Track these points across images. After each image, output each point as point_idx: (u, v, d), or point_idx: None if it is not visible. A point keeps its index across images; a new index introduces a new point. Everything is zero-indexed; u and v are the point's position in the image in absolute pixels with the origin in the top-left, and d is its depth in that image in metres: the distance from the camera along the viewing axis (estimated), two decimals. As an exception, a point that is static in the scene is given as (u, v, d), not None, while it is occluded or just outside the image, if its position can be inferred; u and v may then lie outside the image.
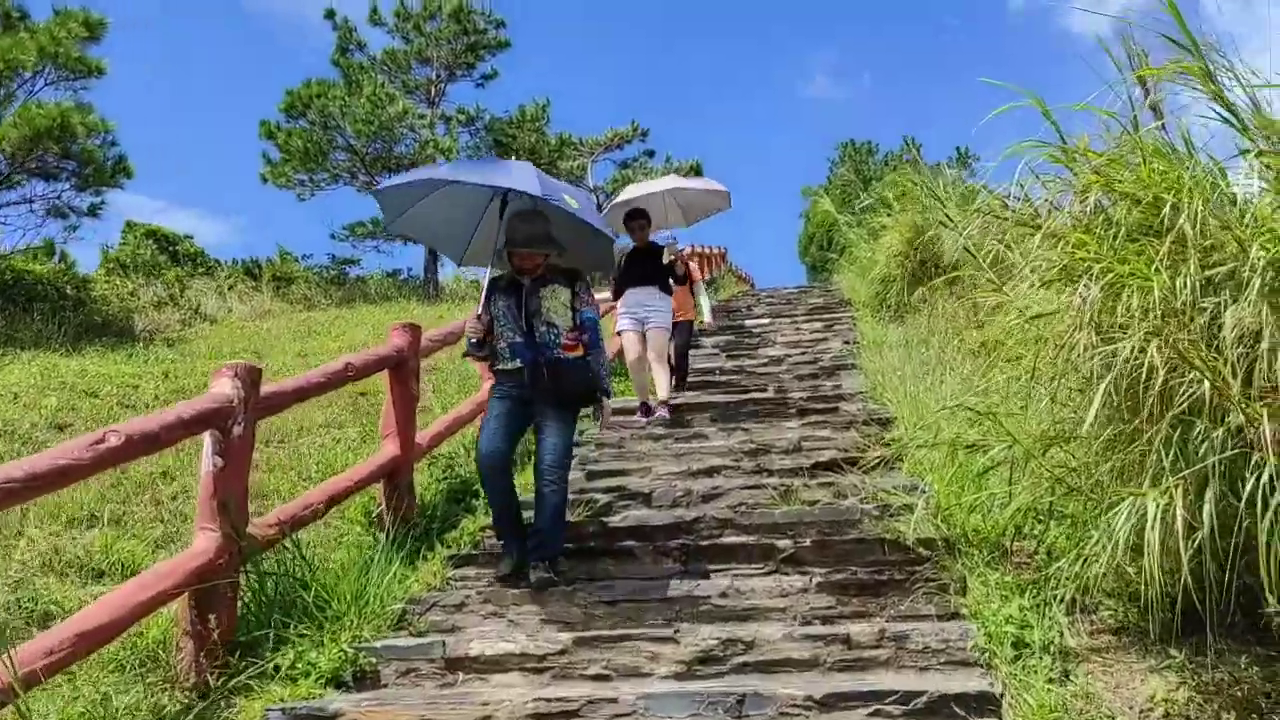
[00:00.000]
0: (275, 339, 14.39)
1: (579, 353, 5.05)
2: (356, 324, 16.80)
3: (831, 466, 6.42)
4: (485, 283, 5.19)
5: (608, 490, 6.33)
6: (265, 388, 4.43)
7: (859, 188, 19.08)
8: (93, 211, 15.04)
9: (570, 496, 6.15)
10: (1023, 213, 4.30)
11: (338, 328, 15.94)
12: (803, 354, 12.26)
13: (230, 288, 20.25)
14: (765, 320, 15.06)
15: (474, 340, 5.03)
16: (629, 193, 9.78)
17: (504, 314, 5.04)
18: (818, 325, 14.23)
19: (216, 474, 4.11)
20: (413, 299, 21.13)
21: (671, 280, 8.79)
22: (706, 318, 11.89)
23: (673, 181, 10.36)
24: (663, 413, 8.27)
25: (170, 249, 24.82)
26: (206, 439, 4.15)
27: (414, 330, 6.00)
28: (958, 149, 24.44)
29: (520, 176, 4.90)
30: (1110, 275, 3.33)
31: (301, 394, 4.87)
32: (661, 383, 8.46)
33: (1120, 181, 3.77)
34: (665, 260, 8.72)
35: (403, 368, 5.82)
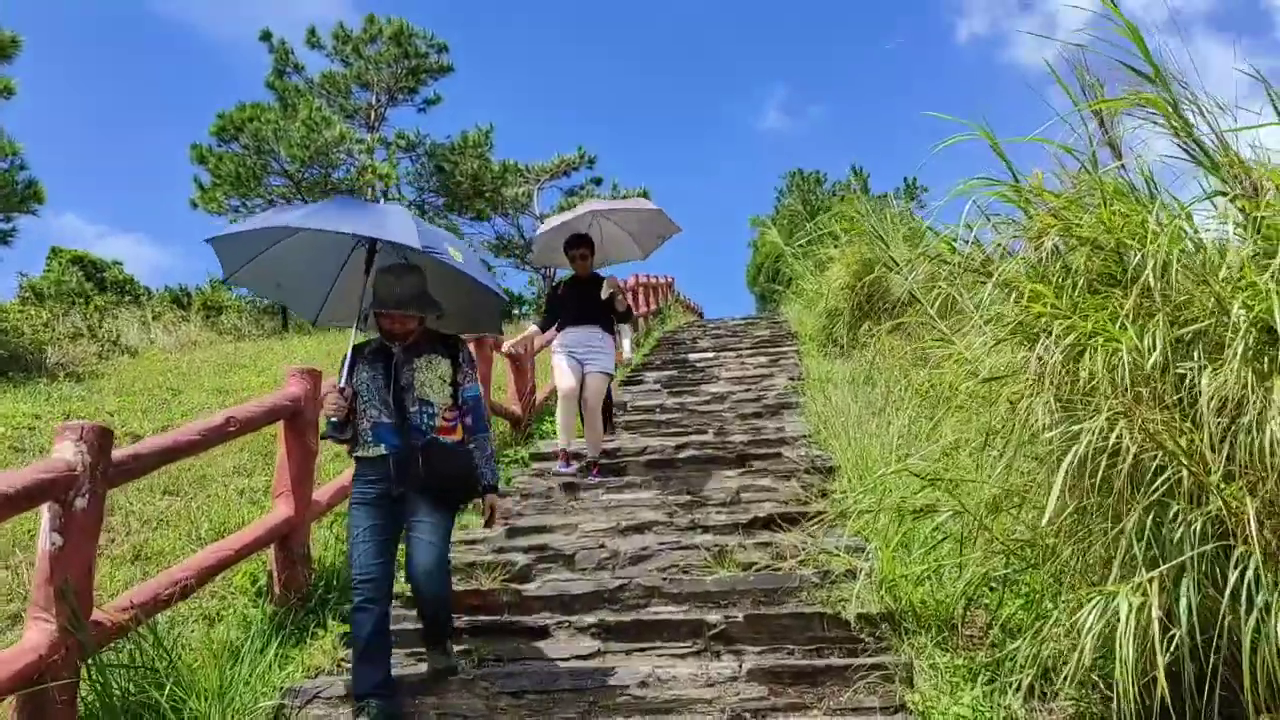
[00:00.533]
0: (195, 373, 13.67)
1: (457, 437, 4.24)
2: (286, 356, 16.13)
3: (770, 523, 5.96)
4: (349, 350, 4.35)
5: (528, 550, 5.82)
6: (120, 452, 3.87)
7: (805, 218, 18.80)
8: (3, 239, 14.24)
9: (487, 558, 5.65)
10: (972, 258, 3.90)
11: (265, 360, 15.26)
12: (747, 390, 11.84)
13: (156, 317, 19.45)
14: (710, 354, 14.65)
15: (334, 420, 4.16)
16: (555, 222, 8.77)
17: (368, 388, 4.19)
18: (763, 360, 13.84)
19: (54, 554, 3.55)
20: (351, 330, 20.43)
21: (615, 318, 7.86)
22: (627, 353, 10.97)
23: (597, 204, 9.03)
24: (591, 477, 7.47)
25: (97, 276, 23.94)
26: (44, 513, 3.58)
27: (313, 377, 5.45)
28: (905, 179, 24.37)
29: (394, 224, 4.16)
30: (1072, 334, 2.92)
31: (168, 456, 4.30)
32: (595, 441, 7.66)
33: (1079, 225, 3.37)
34: (604, 294, 7.64)
35: (298, 419, 5.27)
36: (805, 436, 8.32)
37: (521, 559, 5.63)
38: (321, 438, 4.37)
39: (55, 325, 16.14)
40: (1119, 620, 2.71)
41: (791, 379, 12.27)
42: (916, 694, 3.78)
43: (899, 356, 11.28)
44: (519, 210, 29.22)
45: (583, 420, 7.81)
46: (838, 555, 5.14)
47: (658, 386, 12.53)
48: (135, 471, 4.11)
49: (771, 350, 14.58)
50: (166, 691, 3.64)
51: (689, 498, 6.71)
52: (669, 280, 23.39)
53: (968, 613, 4.37)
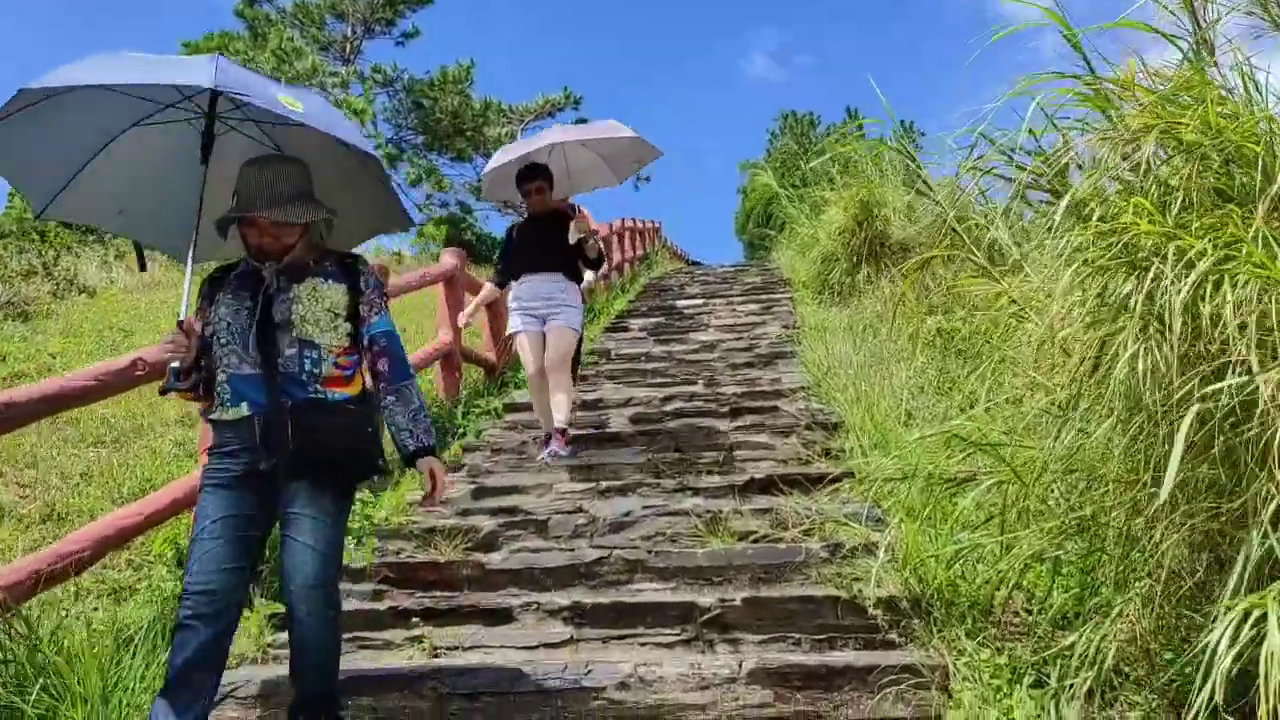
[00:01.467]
0: (154, 314, 12.86)
1: (354, 390, 3.10)
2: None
3: (769, 486, 5.27)
4: (189, 277, 3.14)
5: (495, 513, 5.14)
6: (-12, 398, 3.13)
7: (801, 158, 17.97)
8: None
9: (450, 522, 4.97)
10: (1038, 169, 3.16)
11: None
12: (738, 339, 11.14)
13: (120, 256, 18.53)
14: (699, 301, 13.92)
15: (176, 366, 2.99)
16: (510, 151, 6.82)
17: (228, 327, 3.02)
18: (754, 307, 13.13)
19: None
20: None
21: (583, 264, 6.39)
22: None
23: (560, 133, 7.02)
24: (556, 447, 6.10)
25: (61, 213, 22.91)
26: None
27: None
28: (901, 122, 23.42)
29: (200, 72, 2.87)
30: (1205, 259, 2.20)
31: (54, 403, 3.57)
32: (562, 403, 6.20)
33: (1186, 126, 2.63)
34: (572, 236, 6.18)
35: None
36: (804, 389, 7.63)
37: (488, 524, 4.94)
38: (161, 391, 3.06)
39: (8, 262, 15.26)
40: (1266, 635, 2.02)
41: (785, 327, 11.57)
42: (955, 704, 3.11)
43: (902, 302, 10.61)
44: (502, 151, 28.23)
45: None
46: (849, 525, 4.46)
47: (644, 334, 11.82)
48: (12, 421, 3.38)
49: (764, 297, 13.87)
50: (34, 696, 2.94)
51: (677, 455, 6.02)
52: (656, 225, 22.57)
53: (1008, 596, 3.71)
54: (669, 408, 7.33)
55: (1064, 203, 2.68)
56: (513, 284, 6.46)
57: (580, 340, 6.74)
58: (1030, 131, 2.96)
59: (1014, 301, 3.60)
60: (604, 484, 5.54)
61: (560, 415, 6.16)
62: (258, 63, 18.96)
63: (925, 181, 4.69)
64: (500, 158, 6.72)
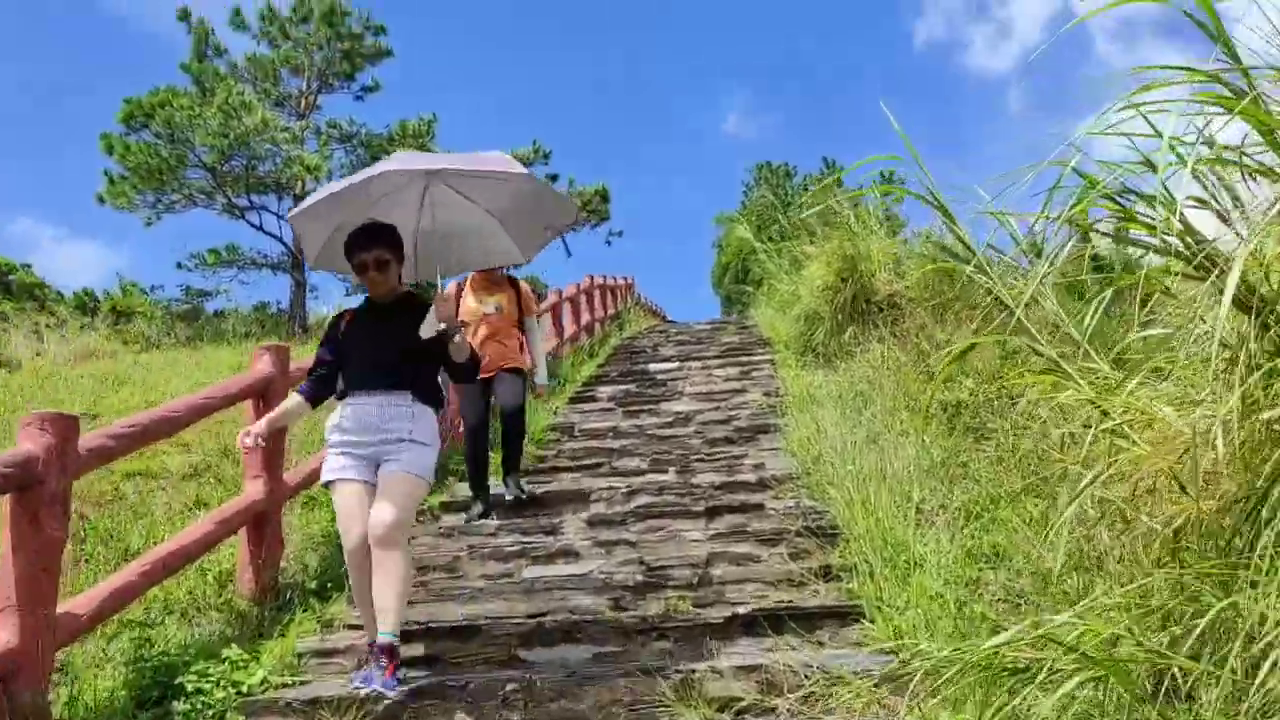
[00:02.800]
0: (70, 391, 11.67)
1: None
2: (195, 366, 14.19)
3: (754, 623, 4.16)
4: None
5: (403, 679, 3.98)
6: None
7: (778, 210, 17.04)
8: None
9: (340, 692, 3.82)
10: (1166, 224, 2.09)
11: (162, 375, 13.27)
12: (716, 409, 10.07)
13: (54, 326, 17.36)
14: (673, 365, 12.85)
15: None
16: (334, 188, 4.21)
17: None
18: (733, 371, 12.07)
19: None
20: (275, 336, 18.46)
21: (446, 375, 4.24)
22: (541, 378, 6.89)
23: (411, 161, 4.54)
24: (376, 679, 3.68)
25: (2, 280, 21.84)
26: None
27: (63, 424, 3.58)
28: (881, 173, 22.64)
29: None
30: None
31: None
32: (390, 601, 3.78)
33: None
34: (428, 330, 3.98)
35: (33, 492, 3.40)
36: (791, 477, 6.53)
37: (393, 691, 3.78)
38: None
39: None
40: None
41: (767, 394, 10.52)
42: None
43: (896, 368, 9.57)
44: (469, 207, 27.28)
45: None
46: (862, 695, 3.35)
47: (612, 405, 10.72)
48: None
49: (742, 359, 12.81)
50: None
51: (642, 575, 4.90)
52: (628, 281, 21.59)
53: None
54: (634, 505, 6.23)
55: (1232, 280, 1.62)
56: (337, 405, 4.15)
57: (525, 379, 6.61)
58: (1149, 164, 1.92)
59: (1102, 411, 2.52)
60: (549, 620, 4.41)
61: (387, 622, 3.75)
62: (204, 118, 17.97)
63: (963, 241, 3.61)
64: (319, 196, 4.18)
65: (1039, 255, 6.28)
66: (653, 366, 12.78)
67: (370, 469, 3.95)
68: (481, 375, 6.15)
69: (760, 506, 5.79)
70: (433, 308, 3.93)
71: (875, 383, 9.53)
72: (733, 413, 9.88)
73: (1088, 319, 2.54)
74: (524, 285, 6.75)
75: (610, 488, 6.65)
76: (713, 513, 5.82)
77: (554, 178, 28.05)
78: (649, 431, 9.37)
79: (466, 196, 4.33)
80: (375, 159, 20.93)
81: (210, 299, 21.23)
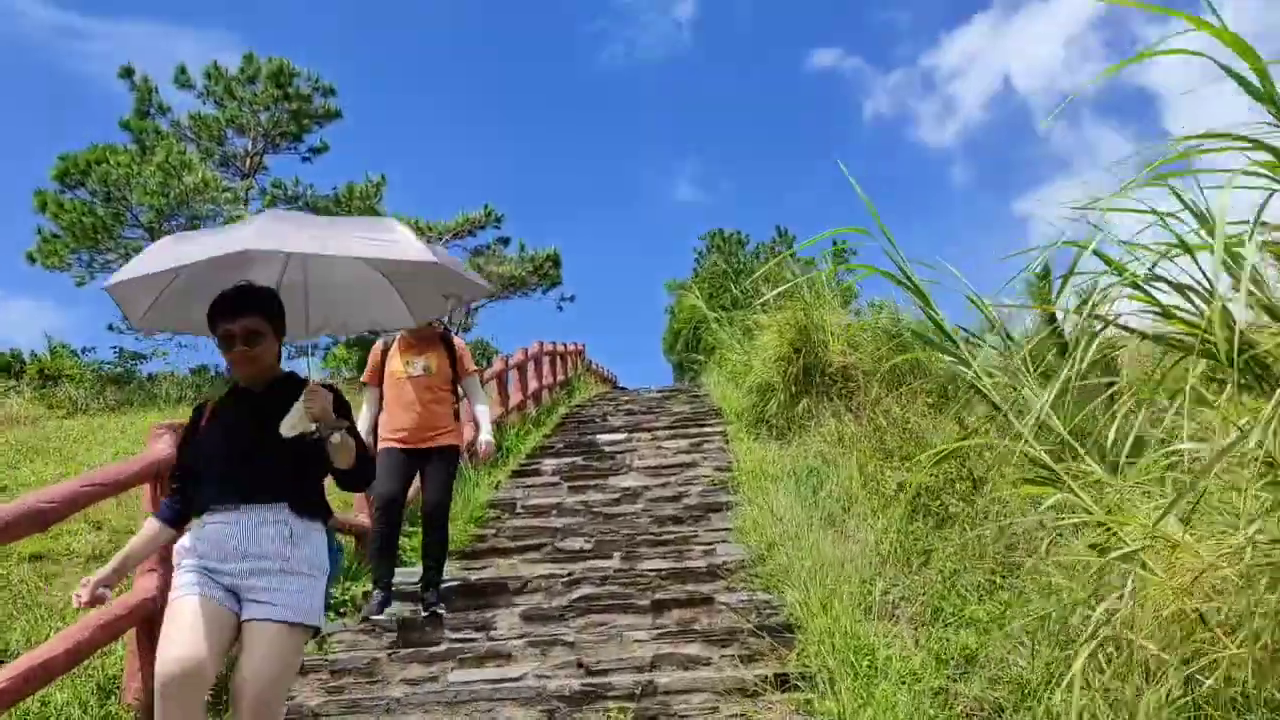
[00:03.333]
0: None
1: None
2: (120, 434, 13.51)
3: (704, 743, 3.72)
4: None
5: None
6: None
7: (730, 278, 16.82)
8: None
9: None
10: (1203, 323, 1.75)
11: (83, 444, 12.59)
12: (664, 485, 9.66)
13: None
14: (621, 436, 12.42)
15: None
16: (184, 248, 3.07)
17: None
18: (683, 443, 11.68)
19: None
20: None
21: (339, 479, 3.23)
22: (485, 435, 6.23)
23: (309, 238, 3.06)
24: None
25: (-76, 340, 20.94)
26: None
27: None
28: (834, 242, 22.57)
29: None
30: None
31: None
32: None
33: None
34: (291, 428, 3.02)
35: None
36: (744, 565, 6.11)
37: (285, 829, 3.28)
38: None
39: None
40: None
41: (719, 469, 10.13)
42: None
43: (852, 444, 9.25)
44: (418, 271, 26.85)
45: None
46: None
47: (557, 479, 10.27)
48: None
49: (693, 431, 12.43)
50: None
51: (580, 682, 4.44)
52: (579, 348, 21.22)
53: None
54: (575, 595, 5.77)
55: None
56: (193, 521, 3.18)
57: (457, 457, 6.03)
58: (1184, 246, 1.60)
59: (1104, 526, 2.17)
60: (473, 738, 3.93)
61: None
62: (142, 176, 17.46)
63: (938, 325, 3.27)
64: (168, 252, 3.07)
65: (1009, 337, 5.99)
66: (601, 437, 12.34)
67: (231, 598, 2.95)
68: (406, 445, 5.66)
69: (710, 600, 5.36)
70: (299, 401, 2.98)
71: (830, 459, 9.20)
72: (682, 489, 9.47)
73: (1097, 422, 2.19)
74: (459, 342, 6.13)
75: (550, 575, 6.19)
76: (659, 606, 5.38)
77: (505, 241, 27.83)
78: (595, 509, 8.93)
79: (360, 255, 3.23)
80: (321, 220, 20.50)
81: (144, 362, 20.49)
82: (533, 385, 14.94)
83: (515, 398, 13.57)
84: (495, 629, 5.29)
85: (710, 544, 7.29)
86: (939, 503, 6.83)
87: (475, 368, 6.16)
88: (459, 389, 6.02)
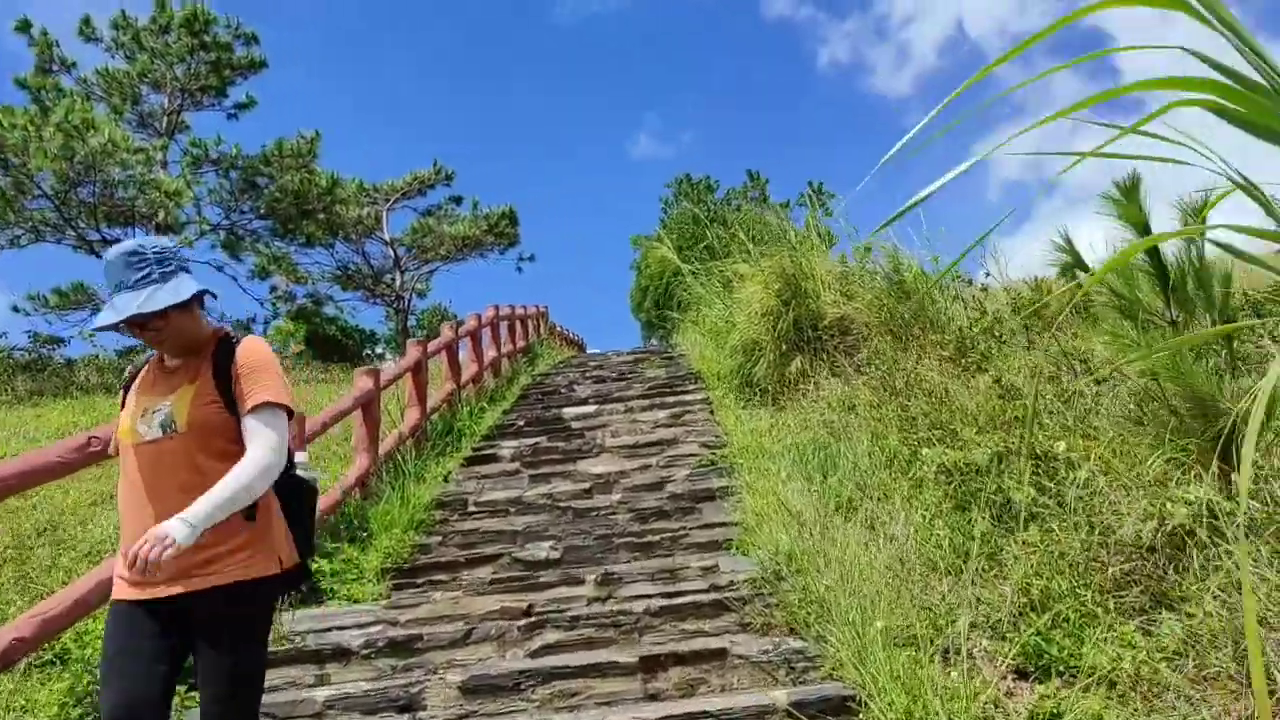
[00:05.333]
0: None
1: None
2: (14, 432, 11.80)
3: None
4: None
5: None
6: None
7: (704, 225, 15.22)
8: None
9: None
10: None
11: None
12: (644, 469, 8.17)
13: None
14: (591, 408, 10.89)
15: None
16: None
17: None
18: (662, 415, 10.17)
19: None
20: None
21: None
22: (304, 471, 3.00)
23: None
24: None
25: None
26: None
27: None
28: (810, 184, 21.03)
29: None
30: None
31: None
32: None
33: None
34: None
35: None
36: (758, 590, 4.62)
37: None
38: None
39: None
40: None
41: (706, 445, 8.65)
42: None
43: (869, 407, 7.78)
44: (365, 234, 25.07)
45: None
46: None
47: (516, 465, 8.74)
48: None
49: (670, 400, 10.92)
50: None
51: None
52: (541, 310, 19.59)
53: None
54: (536, 645, 4.27)
55: None
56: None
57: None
58: None
59: None
60: None
61: None
62: (42, 138, 15.55)
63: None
64: None
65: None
66: (568, 411, 10.80)
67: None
68: (144, 596, 2.56)
69: (723, 654, 3.86)
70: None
71: (839, 430, 7.73)
72: (666, 472, 7.99)
73: None
74: (251, 347, 2.74)
75: (504, 610, 4.69)
76: (652, 666, 3.87)
77: (458, 200, 26.07)
78: (561, 503, 7.43)
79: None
80: (250, 183, 18.68)
81: (62, 346, 18.65)
82: (489, 354, 13.35)
83: (470, 370, 11.99)
84: (423, 709, 3.77)
85: (707, 550, 5.82)
86: (995, 487, 5.38)
87: (268, 395, 2.62)
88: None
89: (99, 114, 16.14)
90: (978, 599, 4.17)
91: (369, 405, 7.86)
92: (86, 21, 18.89)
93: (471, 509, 7.58)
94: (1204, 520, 3.57)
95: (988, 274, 10.24)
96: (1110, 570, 3.88)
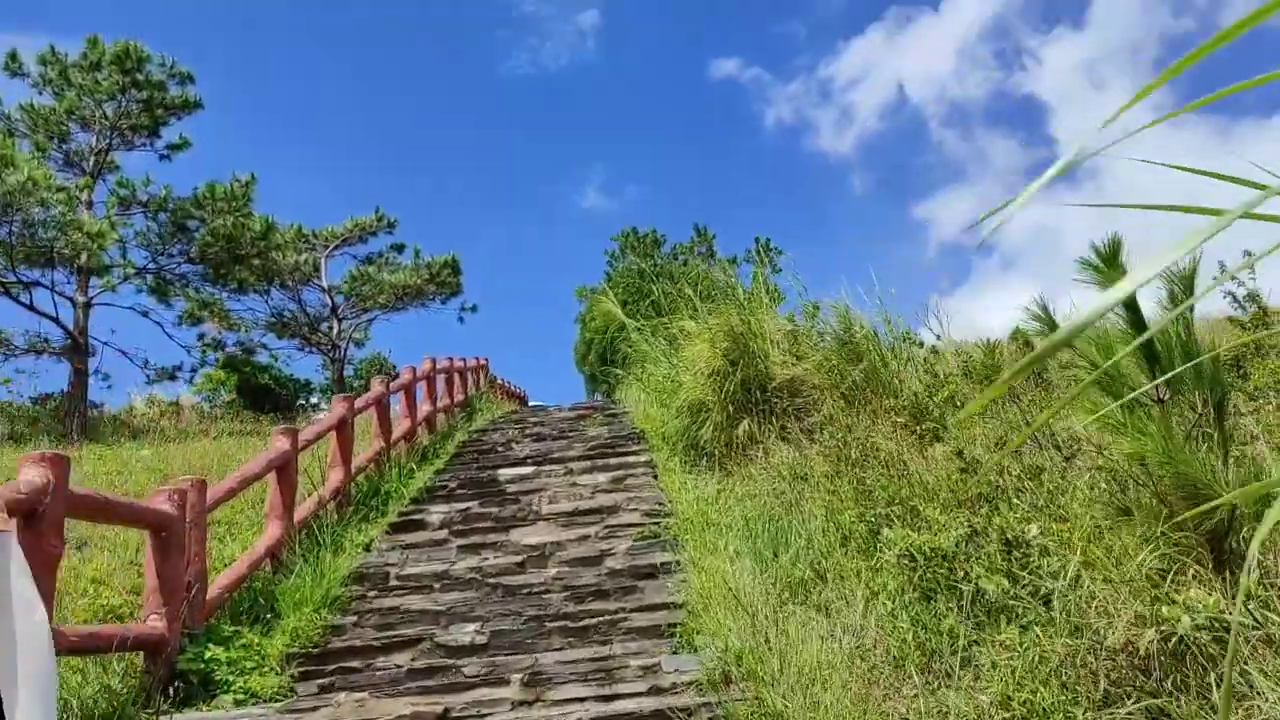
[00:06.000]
0: None
1: None
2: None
3: None
4: None
5: None
6: None
7: (651, 279, 14.82)
8: None
9: None
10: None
11: None
12: (582, 540, 7.64)
13: None
14: (529, 469, 10.33)
15: None
16: None
17: None
18: (603, 478, 9.65)
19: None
20: (46, 437, 15.13)
21: None
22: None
23: None
24: None
25: None
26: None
27: None
28: (757, 240, 20.80)
29: None
30: None
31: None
32: None
33: None
34: None
35: None
36: (702, 697, 4.10)
37: None
38: None
39: None
40: None
41: (648, 514, 8.15)
42: None
43: (823, 478, 7.35)
44: (301, 281, 24.33)
45: None
46: None
47: (444, 533, 8.16)
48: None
49: (613, 461, 10.41)
50: None
51: None
52: (481, 362, 19.00)
53: None
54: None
55: None
56: None
57: None
58: None
59: None
60: None
61: None
62: (-45, 175, 14.74)
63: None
64: None
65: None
66: (504, 472, 10.24)
67: None
68: None
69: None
70: None
71: (790, 500, 7.28)
72: (605, 544, 7.46)
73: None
74: None
75: (415, 716, 4.11)
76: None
77: (399, 248, 25.47)
78: (491, 578, 6.87)
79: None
80: (181, 226, 17.94)
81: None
82: (424, 409, 12.75)
83: (402, 426, 11.38)
84: None
85: (648, 635, 5.30)
86: (963, 574, 4.94)
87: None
88: None
89: (19, 151, 15.37)
90: (949, 712, 3.70)
91: (284, 468, 7.25)
92: (13, 56, 18.14)
93: (393, 583, 6.98)
94: (1208, 630, 3.14)
95: (938, 336, 9.98)
96: (1100, 682, 3.43)
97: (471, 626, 6.10)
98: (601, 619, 5.93)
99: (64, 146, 18.61)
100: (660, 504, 8.41)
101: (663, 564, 6.80)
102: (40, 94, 18.38)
